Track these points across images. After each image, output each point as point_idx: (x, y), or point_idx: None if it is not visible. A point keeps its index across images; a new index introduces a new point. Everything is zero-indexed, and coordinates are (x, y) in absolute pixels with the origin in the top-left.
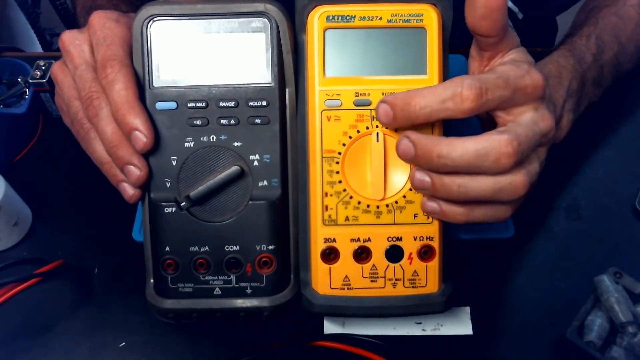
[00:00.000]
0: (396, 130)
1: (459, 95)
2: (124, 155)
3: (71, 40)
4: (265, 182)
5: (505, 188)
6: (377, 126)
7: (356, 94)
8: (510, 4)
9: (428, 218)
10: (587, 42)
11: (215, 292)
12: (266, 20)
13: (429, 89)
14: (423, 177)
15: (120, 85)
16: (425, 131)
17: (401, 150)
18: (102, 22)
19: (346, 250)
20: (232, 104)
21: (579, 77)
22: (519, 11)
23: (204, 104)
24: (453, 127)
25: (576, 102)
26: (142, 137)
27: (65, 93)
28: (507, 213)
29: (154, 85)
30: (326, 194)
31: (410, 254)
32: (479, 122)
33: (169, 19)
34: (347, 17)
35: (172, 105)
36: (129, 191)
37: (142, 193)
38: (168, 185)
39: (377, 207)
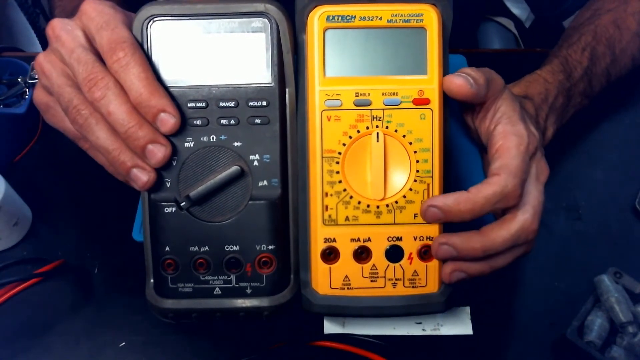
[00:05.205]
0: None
1: (506, 195)
2: (146, 134)
3: (62, 26)
4: (265, 182)
5: (521, 234)
6: (377, 126)
7: (356, 94)
8: (517, 12)
9: None
10: (581, 55)
11: (215, 292)
12: (266, 20)
13: (477, 195)
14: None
15: (138, 68)
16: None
17: (442, 254)
18: (100, 8)
19: (346, 250)
20: (232, 104)
21: (565, 92)
22: (527, 18)
23: (204, 104)
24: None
25: (560, 114)
26: (170, 117)
27: (55, 82)
28: (528, 249)
29: None
30: (326, 194)
31: (411, 254)
32: (475, 146)
33: (169, 19)
34: (347, 17)
35: None
36: (142, 178)
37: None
38: (168, 185)
39: (377, 207)
